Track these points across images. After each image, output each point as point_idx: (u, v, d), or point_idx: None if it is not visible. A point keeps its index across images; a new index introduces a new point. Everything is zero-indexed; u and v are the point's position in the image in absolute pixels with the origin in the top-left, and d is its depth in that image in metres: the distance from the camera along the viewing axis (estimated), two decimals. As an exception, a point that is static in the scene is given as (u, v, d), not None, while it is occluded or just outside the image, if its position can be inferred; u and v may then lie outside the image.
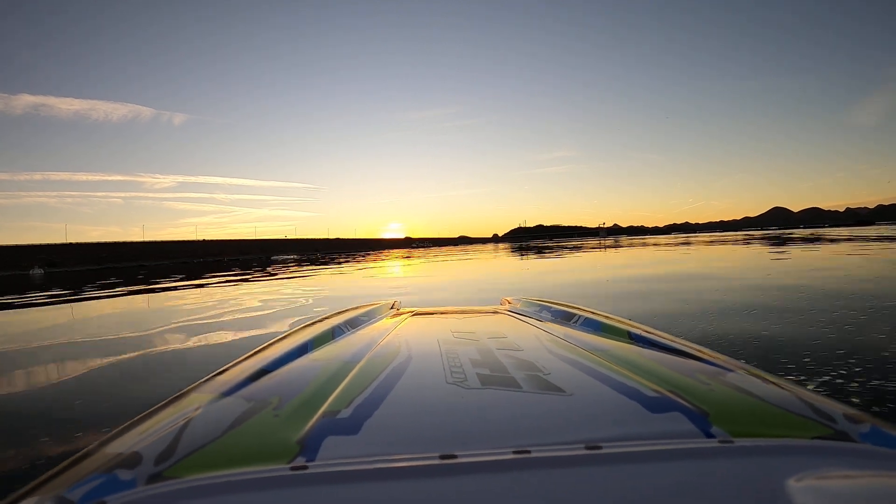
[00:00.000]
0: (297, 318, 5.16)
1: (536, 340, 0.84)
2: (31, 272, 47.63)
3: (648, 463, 0.39)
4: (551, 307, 1.25)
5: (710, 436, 0.44)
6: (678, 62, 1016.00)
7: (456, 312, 1.26)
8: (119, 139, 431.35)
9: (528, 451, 0.40)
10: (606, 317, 1.04)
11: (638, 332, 0.88)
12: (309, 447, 0.43)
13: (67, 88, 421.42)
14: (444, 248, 53.99)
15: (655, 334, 0.87)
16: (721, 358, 0.71)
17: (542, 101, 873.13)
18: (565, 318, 1.10)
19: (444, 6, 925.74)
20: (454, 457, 0.40)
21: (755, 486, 0.36)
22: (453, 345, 0.80)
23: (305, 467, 0.39)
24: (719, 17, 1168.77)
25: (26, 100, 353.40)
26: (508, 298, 1.56)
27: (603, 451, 0.40)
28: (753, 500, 0.34)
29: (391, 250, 68.93)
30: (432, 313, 1.25)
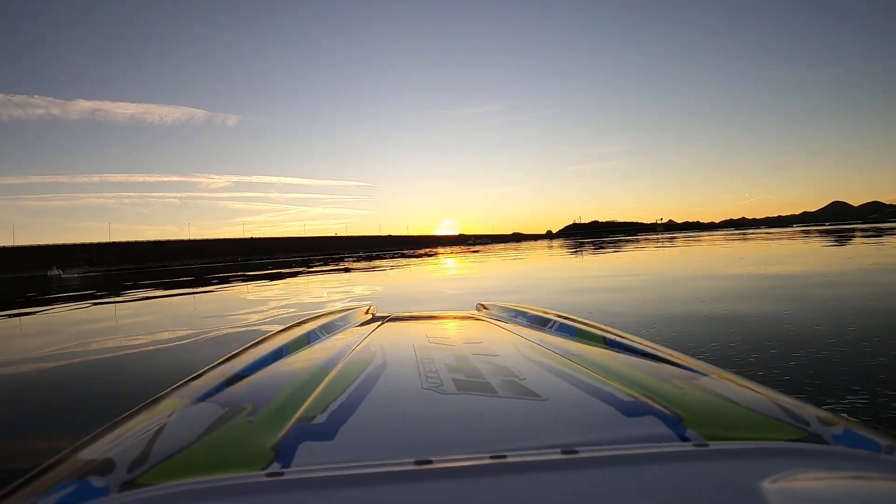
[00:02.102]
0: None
1: (512, 346, 0.83)
2: (49, 273, 44.44)
3: (624, 467, 0.39)
4: (527, 312, 1.22)
5: (684, 439, 0.44)
6: (731, 52, 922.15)
7: (431, 318, 1.23)
8: (174, 141, 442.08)
9: (505, 456, 0.40)
10: (581, 322, 1.03)
11: (612, 337, 0.87)
12: (284, 453, 0.42)
13: (122, 93, 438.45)
14: (505, 246, 45.41)
15: (630, 339, 0.85)
16: (695, 362, 0.71)
17: (593, 95, 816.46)
18: (540, 323, 1.09)
19: (492, 2, 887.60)
20: (430, 462, 0.39)
21: (730, 488, 0.36)
22: (429, 350, 0.79)
23: (281, 473, 0.39)
24: (770, 5, 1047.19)
25: (83, 105, 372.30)
26: (484, 303, 1.53)
27: (579, 455, 0.40)
28: (728, 503, 0.34)
29: (445, 247, 61.70)
30: (407, 318, 1.23)
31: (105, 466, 0.42)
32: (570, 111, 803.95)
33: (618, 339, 0.85)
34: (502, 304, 1.43)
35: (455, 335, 0.95)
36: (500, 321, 1.13)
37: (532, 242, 60.71)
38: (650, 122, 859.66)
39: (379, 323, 1.13)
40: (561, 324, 1.02)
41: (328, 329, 1.06)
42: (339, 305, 5.71)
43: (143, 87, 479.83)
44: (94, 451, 0.47)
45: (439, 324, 1.12)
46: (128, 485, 0.39)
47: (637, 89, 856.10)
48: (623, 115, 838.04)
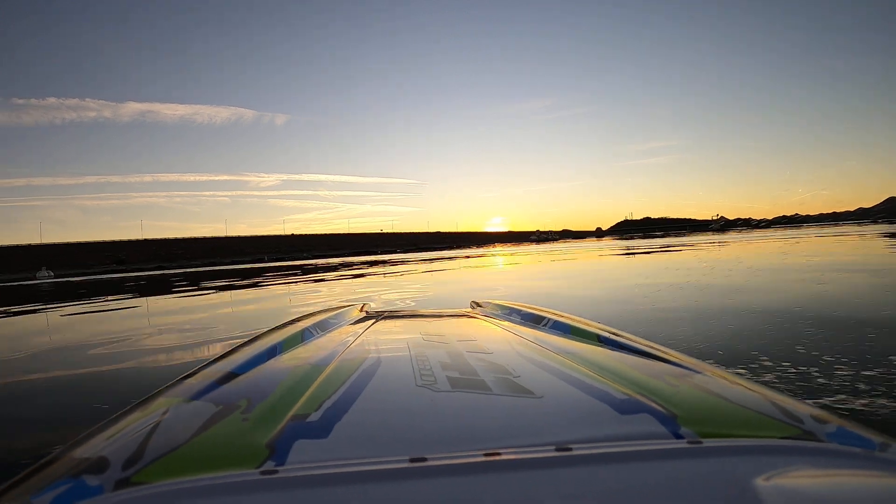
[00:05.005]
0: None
1: (506, 343, 0.84)
2: (37, 275, 39.79)
3: (618, 464, 0.39)
4: (521, 310, 1.23)
5: (678, 437, 0.44)
6: (781, 45, 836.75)
7: (425, 315, 1.25)
8: (223, 141, 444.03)
9: (499, 454, 0.40)
10: (576, 320, 1.04)
11: (607, 334, 0.88)
12: (278, 451, 0.42)
13: (172, 95, 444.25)
14: (599, 244, 36.39)
15: (624, 337, 0.86)
16: (689, 360, 0.71)
17: (642, 89, 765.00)
18: (535, 321, 1.09)
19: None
20: (424, 459, 0.40)
21: (724, 486, 0.36)
22: (423, 347, 0.80)
23: (275, 471, 0.38)
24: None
25: (133, 107, 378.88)
26: (478, 301, 1.55)
27: (573, 452, 0.40)
28: (722, 500, 0.34)
29: (510, 244, 53.41)
30: (402, 316, 1.25)
31: (99, 465, 0.42)
32: (619, 106, 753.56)
33: (612, 336, 0.85)
34: (496, 302, 1.42)
35: (449, 333, 0.94)
36: (494, 319, 1.14)
37: (606, 239, 51.44)
38: (701, 117, 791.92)
39: (373, 321, 1.13)
40: (555, 321, 1.02)
41: (322, 327, 1.06)
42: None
43: (191, 88, 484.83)
44: (89, 450, 0.46)
45: (433, 322, 1.12)
46: (122, 483, 0.38)
47: (687, 84, 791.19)
48: (673, 110, 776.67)
